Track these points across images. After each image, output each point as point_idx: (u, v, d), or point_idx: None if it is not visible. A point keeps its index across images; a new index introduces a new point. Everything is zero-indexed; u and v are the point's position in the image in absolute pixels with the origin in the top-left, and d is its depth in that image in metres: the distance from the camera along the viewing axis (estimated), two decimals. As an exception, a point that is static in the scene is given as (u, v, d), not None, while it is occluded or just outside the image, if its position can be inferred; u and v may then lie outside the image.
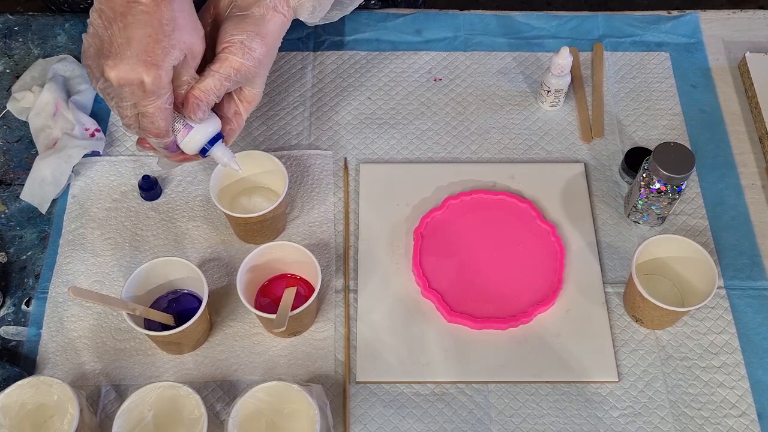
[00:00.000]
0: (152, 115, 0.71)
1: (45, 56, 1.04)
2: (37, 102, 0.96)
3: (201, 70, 0.74)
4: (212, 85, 0.74)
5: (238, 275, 0.80)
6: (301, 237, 0.91)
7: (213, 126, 0.77)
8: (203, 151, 0.78)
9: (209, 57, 0.75)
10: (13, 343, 0.84)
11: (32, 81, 1.00)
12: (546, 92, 0.98)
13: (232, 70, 0.74)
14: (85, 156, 0.93)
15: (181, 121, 0.75)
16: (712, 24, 1.09)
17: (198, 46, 0.73)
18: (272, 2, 0.75)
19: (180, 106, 0.74)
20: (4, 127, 0.99)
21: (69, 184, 0.94)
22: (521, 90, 1.03)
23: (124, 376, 0.82)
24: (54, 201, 0.93)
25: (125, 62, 0.68)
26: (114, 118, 1.00)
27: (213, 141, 0.77)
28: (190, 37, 0.71)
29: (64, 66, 1.00)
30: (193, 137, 0.76)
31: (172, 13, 0.69)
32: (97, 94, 1.00)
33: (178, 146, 0.77)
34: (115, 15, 0.68)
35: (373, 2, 1.10)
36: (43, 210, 0.91)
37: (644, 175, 0.85)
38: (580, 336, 0.84)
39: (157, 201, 0.93)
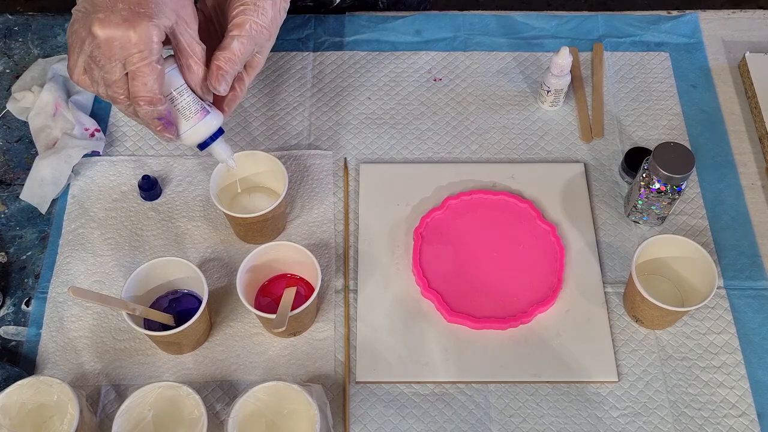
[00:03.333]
0: (144, 74, 0.68)
1: (45, 56, 1.04)
2: (37, 102, 0.96)
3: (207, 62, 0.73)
4: (237, 49, 0.72)
5: (238, 275, 0.80)
6: (301, 237, 0.91)
7: (217, 119, 0.76)
8: (202, 145, 0.76)
9: (215, 43, 0.73)
10: (13, 343, 0.84)
11: (32, 81, 1.00)
12: (546, 92, 0.98)
13: (253, 30, 0.73)
14: (85, 156, 0.93)
15: (192, 107, 0.74)
16: (712, 24, 1.09)
17: (189, 10, 0.71)
18: None
19: (199, 85, 0.73)
20: (4, 127, 0.99)
21: (69, 184, 0.94)
22: (521, 90, 1.03)
23: (124, 376, 0.82)
24: (54, 201, 0.93)
25: (116, 14, 0.66)
26: (114, 117, 0.99)
27: (215, 136, 0.76)
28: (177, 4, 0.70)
29: (64, 66, 1.00)
30: (197, 130, 0.74)
31: None
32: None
33: (170, 122, 0.73)
34: None
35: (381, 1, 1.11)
36: (43, 210, 0.91)
37: (644, 175, 0.85)
38: (580, 336, 0.84)
39: (157, 201, 0.93)
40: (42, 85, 0.97)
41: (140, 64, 0.67)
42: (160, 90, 0.70)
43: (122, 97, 0.70)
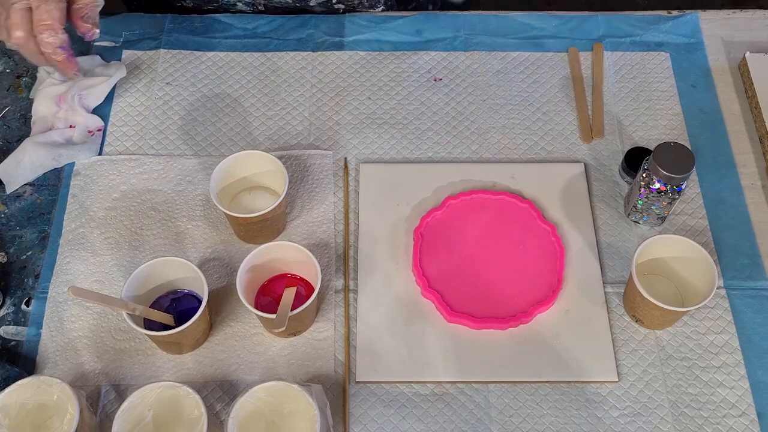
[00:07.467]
0: (49, 4, 0.78)
1: (45, 56, 1.04)
2: (45, 84, 0.96)
3: None
4: None
5: (238, 275, 0.80)
6: (301, 237, 0.91)
7: None
8: None
9: None
10: (13, 343, 0.84)
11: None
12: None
13: None
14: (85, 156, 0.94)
15: None
16: (712, 24, 1.09)
17: None
18: None
19: None
20: (4, 127, 0.99)
21: (69, 184, 0.94)
22: (521, 90, 1.03)
23: (124, 376, 0.82)
24: (54, 201, 0.93)
25: None
26: (114, 117, 0.99)
27: None
28: None
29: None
30: None
31: None
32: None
33: (72, 55, 0.84)
34: None
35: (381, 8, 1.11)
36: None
37: (644, 175, 0.85)
38: (580, 336, 0.84)
39: (157, 201, 0.93)
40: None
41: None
42: (62, 22, 0.79)
43: (20, 33, 0.79)
